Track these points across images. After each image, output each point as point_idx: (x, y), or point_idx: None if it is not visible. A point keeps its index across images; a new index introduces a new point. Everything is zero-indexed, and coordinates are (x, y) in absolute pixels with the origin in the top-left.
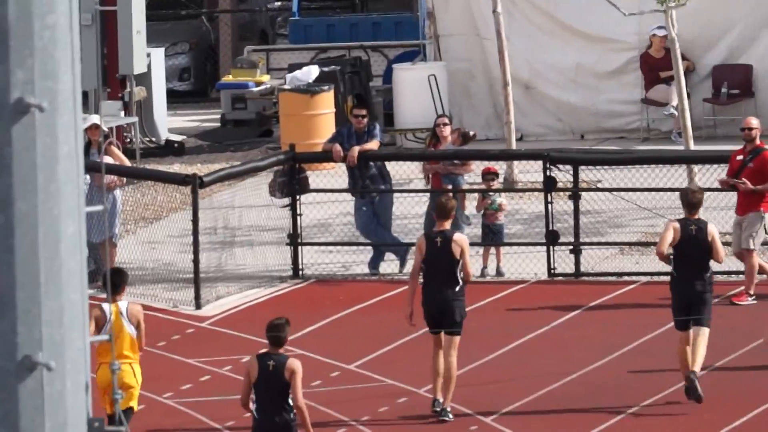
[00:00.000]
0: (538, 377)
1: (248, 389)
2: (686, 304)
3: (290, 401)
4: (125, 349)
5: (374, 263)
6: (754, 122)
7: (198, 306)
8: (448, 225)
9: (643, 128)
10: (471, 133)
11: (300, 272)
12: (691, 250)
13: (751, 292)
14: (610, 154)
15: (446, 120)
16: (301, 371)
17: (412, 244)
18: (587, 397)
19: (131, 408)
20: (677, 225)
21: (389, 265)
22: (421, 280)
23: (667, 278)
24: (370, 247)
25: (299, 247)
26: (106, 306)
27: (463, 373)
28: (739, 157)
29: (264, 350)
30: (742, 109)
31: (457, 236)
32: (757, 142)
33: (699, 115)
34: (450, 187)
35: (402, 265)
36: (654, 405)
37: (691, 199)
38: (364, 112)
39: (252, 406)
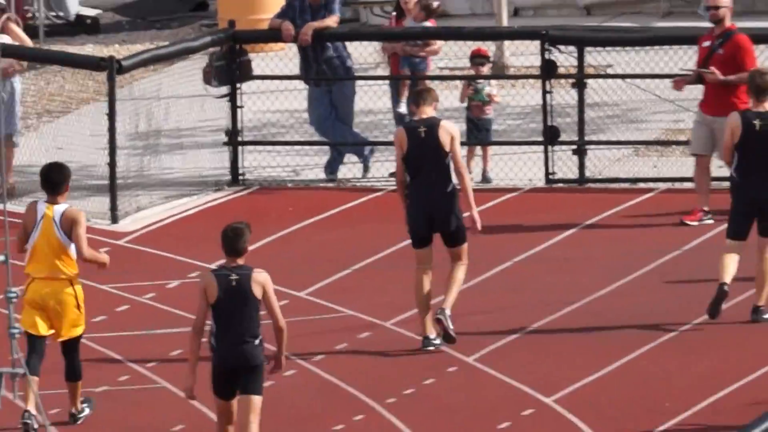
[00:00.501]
0: (532, 307)
1: (205, 312)
2: (749, 211)
3: (257, 325)
4: (56, 264)
5: (332, 167)
6: (724, 0)
7: (114, 219)
8: (431, 111)
9: (663, 0)
10: (435, 4)
11: (240, 177)
12: (759, 146)
13: (706, 208)
14: (622, 32)
15: None
16: (272, 283)
17: (379, 143)
18: (593, 330)
19: (76, 339)
20: (737, 119)
21: (350, 168)
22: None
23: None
24: (326, 147)
25: (239, 147)
26: (41, 206)
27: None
28: (706, 43)
29: (219, 264)
30: None
31: (445, 123)
32: (727, 23)
33: None
34: (407, 72)
35: (366, 168)
36: (675, 340)
37: (759, 84)
38: None
39: (210, 338)
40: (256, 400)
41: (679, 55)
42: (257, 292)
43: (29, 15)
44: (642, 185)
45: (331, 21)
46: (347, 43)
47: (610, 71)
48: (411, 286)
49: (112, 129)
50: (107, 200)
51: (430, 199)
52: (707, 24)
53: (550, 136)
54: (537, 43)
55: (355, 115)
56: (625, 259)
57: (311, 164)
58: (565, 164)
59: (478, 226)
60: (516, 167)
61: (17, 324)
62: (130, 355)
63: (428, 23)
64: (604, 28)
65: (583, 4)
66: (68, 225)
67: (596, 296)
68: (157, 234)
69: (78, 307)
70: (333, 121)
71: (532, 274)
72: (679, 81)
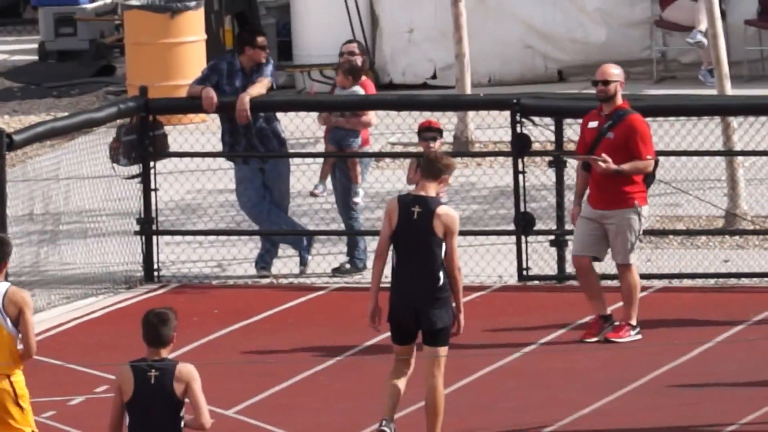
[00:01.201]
0: (505, 429)
1: (120, 413)
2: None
3: (181, 426)
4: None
5: (264, 260)
6: (614, 72)
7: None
8: (432, 190)
9: (657, 62)
10: (357, 61)
11: (155, 273)
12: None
13: (634, 322)
14: None
15: (354, 48)
16: (199, 379)
17: (320, 232)
18: None
19: None
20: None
21: (285, 263)
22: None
23: (695, 282)
24: (257, 238)
25: (154, 237)
26: None
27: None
28: (593, 124)
29: (139, 358)
30: None
31: (442, 209)
32: (618, 101)
33: (738, 43)
34: (333, 148)
35: (303, 262)
36: None
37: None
38: (262, 40)
39: None
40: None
41: (675, 128)
42: (180, 390)
43: None
44: None
45: (262, 87)
46: (280, 114)
47: None
48: (359, 404)
49: (2, 216)
50: None
51: (417, 292)
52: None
53: (524, 225)
54: (507, 114)
55: (291, 199)
56: (613, 371)
57: (239, 257)
58: (542, 257)
59: (460, 330)
60: (483, 261)
61: None
62: None
63: (358, 88)
64: (586, 96)
65: (557, 68)
66: (14, 309)
67: (580, 415)
68: (57, 341)
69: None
70: (267, 205)
71: (504, 390)
72: (579, 159)
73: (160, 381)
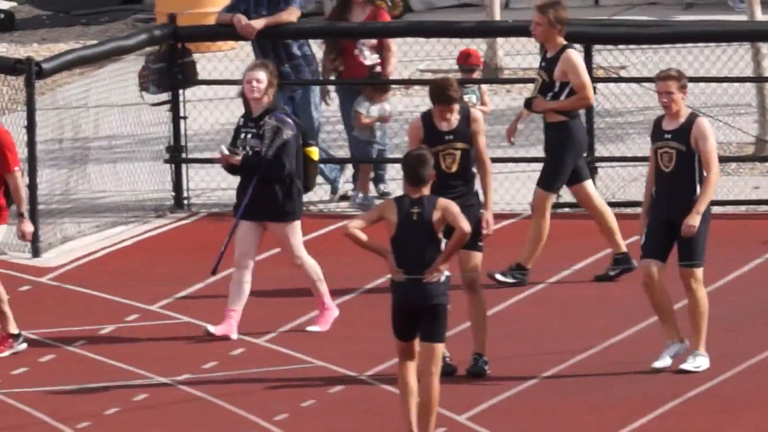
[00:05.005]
0: (534, 357)
1: (369, 224)
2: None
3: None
4: None
5: None
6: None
7: (35, 252)
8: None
9: None
10: None
11: (185, 202)
12: None
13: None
14: (638, 27)
15: None
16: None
17: (348, 160)
18: (607, 384)
19: None
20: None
21: (315, 191)
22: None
23: (725, 209)
24: None
25: (183, 166)
26: None
27: None
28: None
29: (400, 195)
30: None
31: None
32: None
33: None
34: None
35: (334, 190)
36: (707, 395)
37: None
38: None
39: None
40: (437, 346)
41: (705, 55)
42: (436, 218)
43: None
44: None
45: (291, 15)
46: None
47: (623, 74)
48: (390, 334)
49: (31, 144)
50: None
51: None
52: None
53: None
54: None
55: (321, 127)
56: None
57: None
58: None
59: (490, 230)
60: (513, 189)
61: None
62: (58, 414)
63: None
64: (616, 22)
65: None
66: None
67: (611, 342)
68: (87, 270)
69: None
70: None
71: (532, 318)
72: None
73: (422, 215)
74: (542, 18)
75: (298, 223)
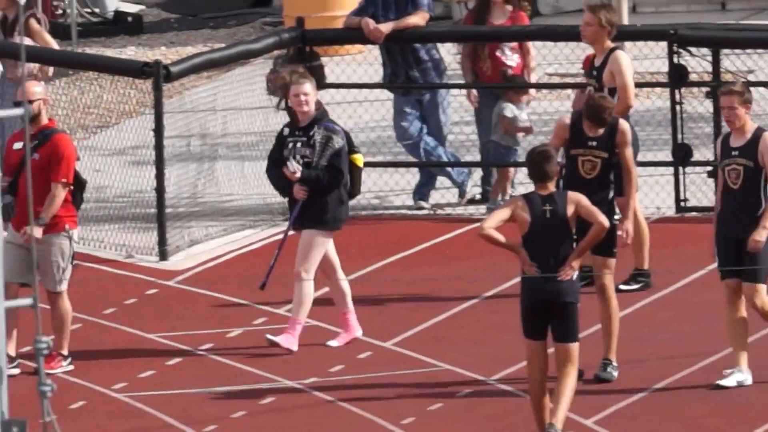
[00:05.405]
0: (661, 361)
1: (501, 222)
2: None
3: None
4: None
5: (422, 192)
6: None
7: (163, 255)
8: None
9: None
10: None
11: None
12: None
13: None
14: (765, 31)
15: None
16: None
17: (476, 164)
18: (735, 389)
19: None
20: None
21: (443, 194)
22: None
23: None
24: (415, 169)
25: None
26: None
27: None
28: (18, 145)
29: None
30: None
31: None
32: (44, 120)
33: None
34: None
35: (462, 193)
36: None
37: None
38: None
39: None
40: (572, 347)
41: None
42: (570, 212)
43: (59, 12)
44: None
45: (419, 18)
46: (439, 45)
47: (751, 78)
48: (518, 337)
49: (159, 147)
50: (154, 233)
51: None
52: None
53: (682, 156)
54: (663, 45)
55: (450, 131)
56: None
57: (396, 189)
58: (699, 189)
59: (629, 240)
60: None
61: (48, 381)
62: (184, 417)
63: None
64: (744, 26)
65: None
66: None
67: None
68: (215, 273)
69: None
70: (424, 137)
71: (659, 322)
72: None
73: (555, 212)
74: (593, 18)
75: (330, 240)
